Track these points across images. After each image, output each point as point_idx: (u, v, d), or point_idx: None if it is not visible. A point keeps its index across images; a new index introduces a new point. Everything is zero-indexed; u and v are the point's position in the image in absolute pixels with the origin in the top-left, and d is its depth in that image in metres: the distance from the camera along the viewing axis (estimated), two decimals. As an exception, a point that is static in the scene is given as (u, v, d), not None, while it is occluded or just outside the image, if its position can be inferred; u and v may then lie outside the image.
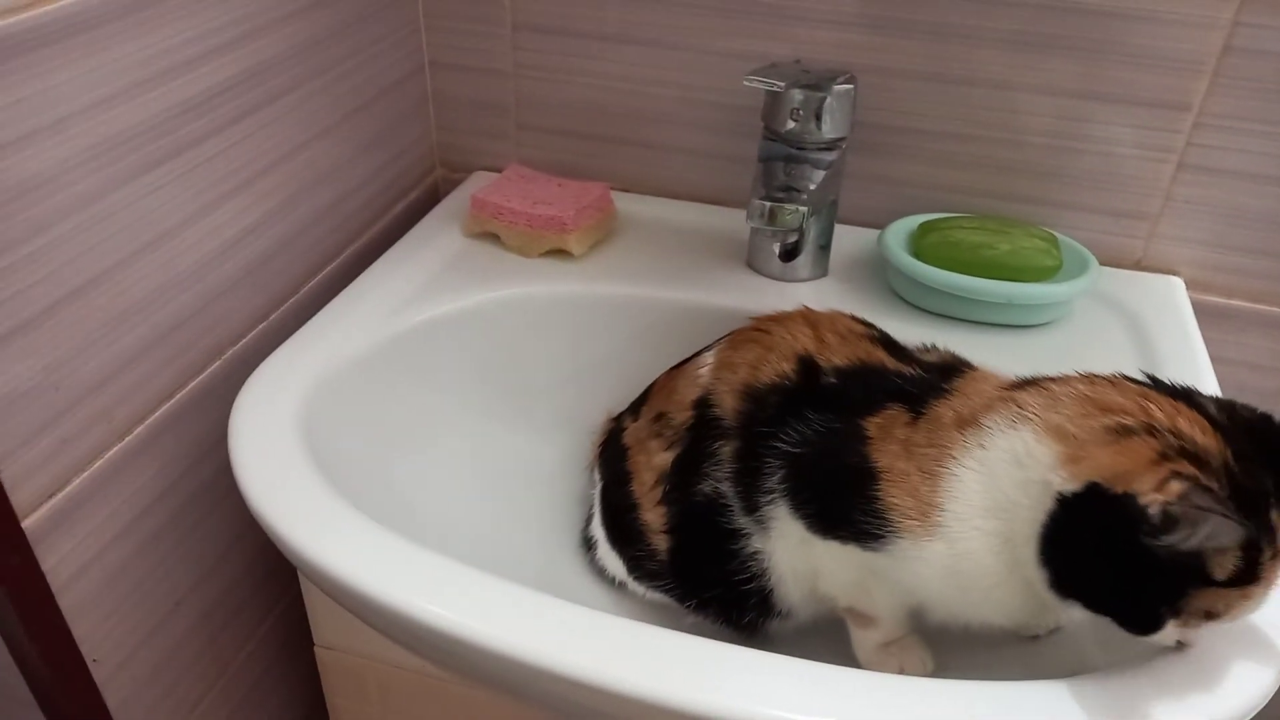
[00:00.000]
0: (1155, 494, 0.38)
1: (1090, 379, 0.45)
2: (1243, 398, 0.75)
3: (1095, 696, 0.42)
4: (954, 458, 0.45)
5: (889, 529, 0.46)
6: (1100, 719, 0.41)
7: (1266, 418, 0.43)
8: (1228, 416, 0.43)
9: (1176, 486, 0.38)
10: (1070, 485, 0.42)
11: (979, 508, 0.44)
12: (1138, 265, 0.73)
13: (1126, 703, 0.42)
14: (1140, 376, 0.46)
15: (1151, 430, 0.41)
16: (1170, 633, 0.42)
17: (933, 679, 0.45)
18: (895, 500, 0.46)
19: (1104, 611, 0.43)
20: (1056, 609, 0.47)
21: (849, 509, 0.47)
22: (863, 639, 0.54)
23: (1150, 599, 0.41)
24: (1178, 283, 0.71)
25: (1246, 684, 0.43)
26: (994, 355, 0.64)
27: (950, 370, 0.51)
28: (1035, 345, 0.65)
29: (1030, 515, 0.43)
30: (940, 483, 0.45)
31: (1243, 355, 0.73)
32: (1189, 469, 0.39)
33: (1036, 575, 0.43)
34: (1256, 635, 0.45)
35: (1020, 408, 0.44)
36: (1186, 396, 0.44)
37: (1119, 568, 0.41)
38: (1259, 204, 0.68)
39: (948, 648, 0.53)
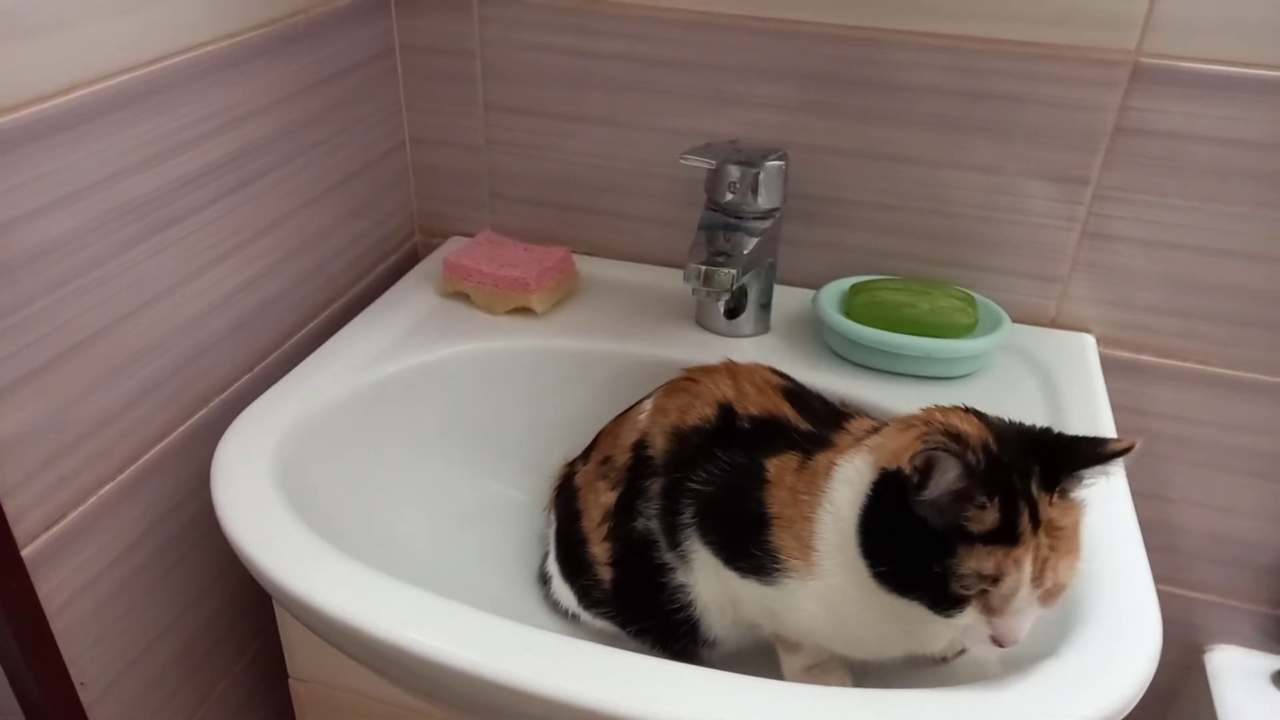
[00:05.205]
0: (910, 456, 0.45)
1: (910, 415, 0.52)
2: (1152, 444, 0.81)
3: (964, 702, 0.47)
4: (819, 503, 0.51)
5: (779, 567, 0.52)
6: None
7: (1041, 427, 0.50)
8: (1006, 423, 0.50)
9: (920, 446, 0.45)
10: (870, 476, 0.49)
11: (836, 545, 0.50)
12: (1053, 323, 0.79)
13: (1005, 704, 0.47)
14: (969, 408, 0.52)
15: (926, 423, 0.49)
16: (972, 615, 0.47)
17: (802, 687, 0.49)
18: (783, 542, 0.52)
19: (909, 594, 0.47)
20: (936, 629, 0.52)
21: (748, 545, 0.53)
22: (789, 663, 0.59)
23: (928, 562, 0.46)
24: (1089, 339, 0.78)
25: (1117, 685, 0.47)
26: (915, 405, 0.70)
27: (840, 421, 0.57)
28: (953, 396, 0.69)
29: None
30: (813, 526, 0.51)
31: (1152, 406, 0.79)
32: (940, 438, 0.46)
33: (865, 569, 0.48)
34: (1127, 640, 0.50)
35: (861, 445, 0.52)
36: (973, 410, 0.51)
37: (903, 541, 0.47)
38: (1154, 267, 0.74)
39: (865, 669, 0.58)
